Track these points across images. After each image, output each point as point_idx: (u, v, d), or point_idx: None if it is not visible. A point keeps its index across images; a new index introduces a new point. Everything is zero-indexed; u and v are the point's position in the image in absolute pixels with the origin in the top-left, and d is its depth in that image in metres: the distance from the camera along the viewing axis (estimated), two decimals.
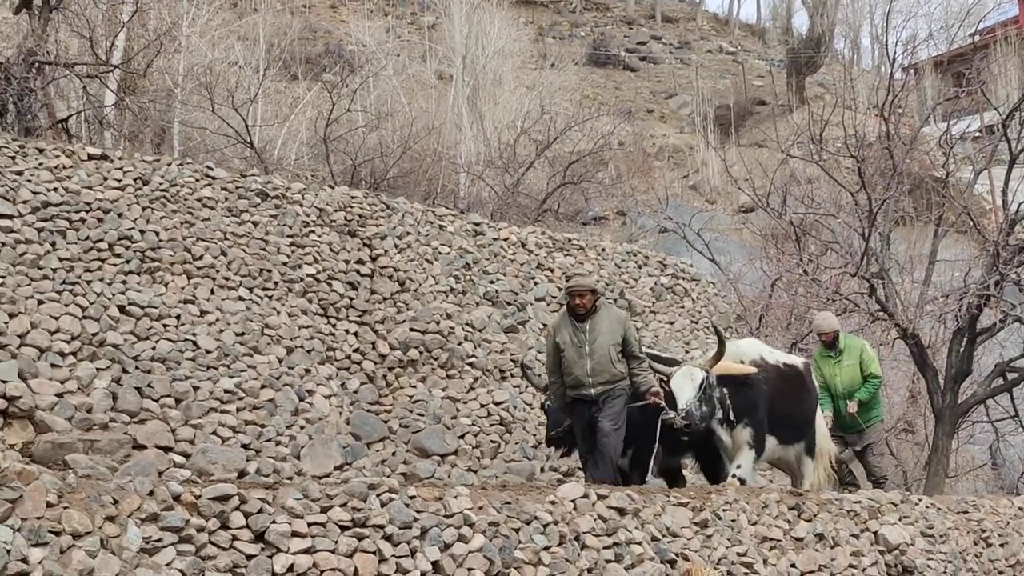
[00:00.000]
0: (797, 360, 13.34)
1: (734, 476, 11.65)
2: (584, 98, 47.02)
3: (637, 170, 40.84)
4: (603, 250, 19.49)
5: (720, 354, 11.56)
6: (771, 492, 11.10)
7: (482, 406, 15.45)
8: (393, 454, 14.14)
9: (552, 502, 8.90)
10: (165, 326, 13.60)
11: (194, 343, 13.61)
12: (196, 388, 13.13)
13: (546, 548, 8.49)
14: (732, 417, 11.62)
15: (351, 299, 15.55)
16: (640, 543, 9.13)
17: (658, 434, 11.23)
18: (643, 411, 11.29)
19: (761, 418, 11.91)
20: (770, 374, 12.20)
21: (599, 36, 66.36)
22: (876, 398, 14.37)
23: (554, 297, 17.68)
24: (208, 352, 13.62)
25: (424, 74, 42.31)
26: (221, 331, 13.96)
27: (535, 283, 17.77)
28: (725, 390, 11.59)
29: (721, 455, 12.19)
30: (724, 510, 10.15)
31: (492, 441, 15.20)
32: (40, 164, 14.19)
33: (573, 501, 9.05)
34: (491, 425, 15.26)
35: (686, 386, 11.36)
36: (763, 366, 12.17)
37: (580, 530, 8.84)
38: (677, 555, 9.37)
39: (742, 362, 12.01)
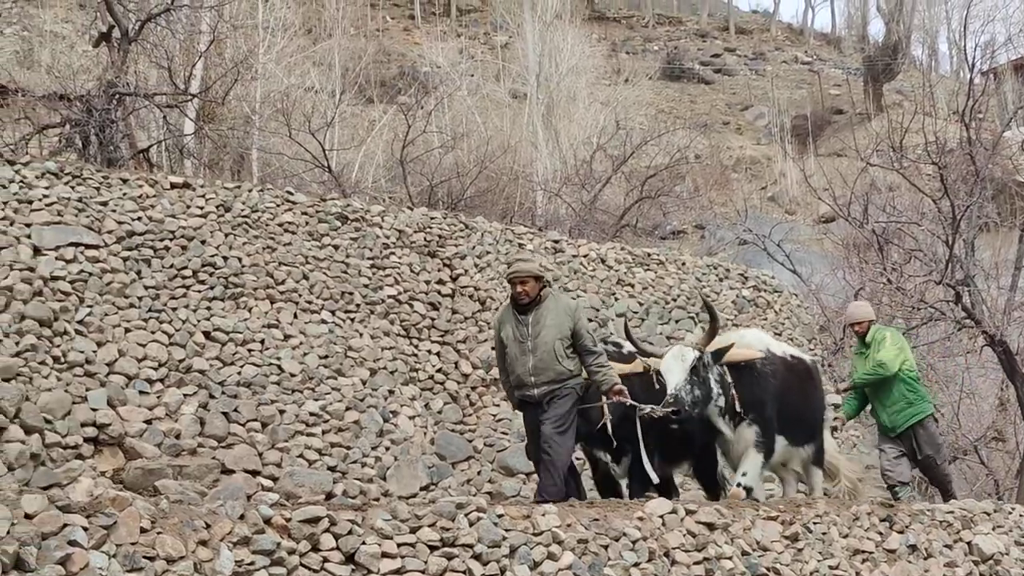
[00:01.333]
0: (805, 355, 12.39)
1: (739, 486, 10.61)
2: (659, 112, 46.96)
3: (715, 183, 40.69)
4: (683, 264, 19.41)
5: (714, 330, 10.50)
6: (862, 504, 10.96)
7: None
8: (478, 473, 14.16)
9: (640, 518, 8.85)
10: (250, 351, 13.75)
11: (279, 367, 13.74)
12: (282, 412, 13.26)
13: (636, 565, 8.44)
14: (740, 408, 10.60)
15: (433, 319, 15.61)
16: (731, 558, 9.05)
17: (639, 434, 10.17)
18: (634, 412, 10.16)
19: (769, 416, 10.81)
20: (778, 366, 11.14)
21: (672, 50, 66.31)
22: (917, 393, 12.76)
23: (635, 312, 17.63)
24: (293, 376, 13.74)
25: (498, 93, 42.41)
26: (305, 354, 14.08)
27: (616, 299, 17.73)
28: (727, 374, 10.60)
29: (719, 462, 11.41)
30: (815, 523, 10.03)
31: (577, 457, 15.14)
32: (124, 194, 14.39)
33: (662, 517, 8.99)
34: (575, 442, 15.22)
35: (675, 367, 10.25)
36: (770, 357, 11.11)
37: (669, 546, 8.78)
38: (768, 569, 9.28)
39: None
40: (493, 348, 11.61)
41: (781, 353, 11.44)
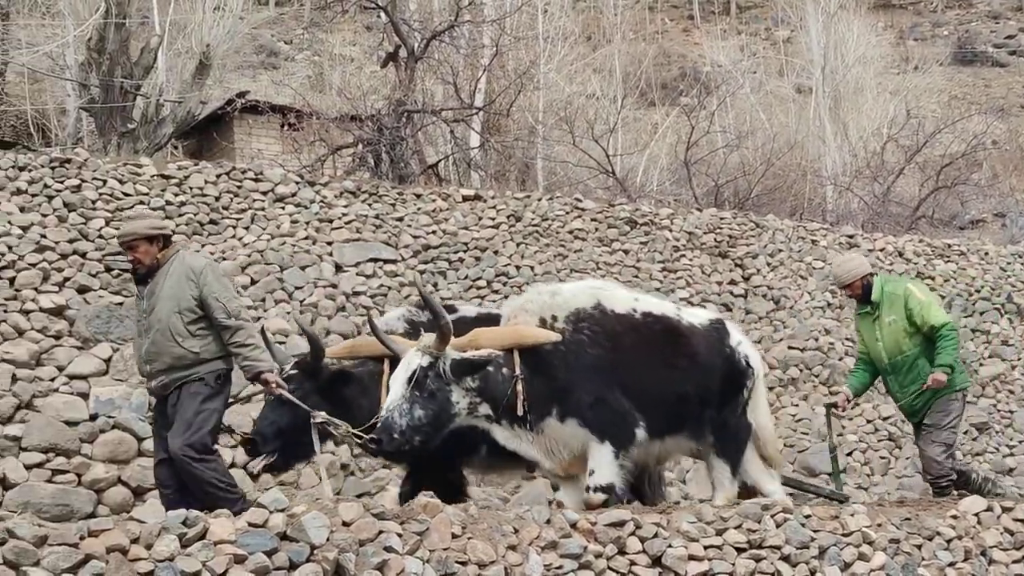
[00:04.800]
0: (692, 315, 9.00)
1: (590, 489, 7.82)
2: (952, 99, 45.33)
3: (1015, 169, 39.07)
4: (986, 254, 18.73)
5: (444, 332, 7.44)
6: None
7: (868, 421, 15.11)
8: None
9: (955, 516, 8.55)
10: None
11: None
12: None
13: (951, 564, 8.15)
14: (521, 411, 7.68)
15: None
16: None
17: (317, 444, 7.78)
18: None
19: (591, 399, 7.86)
20: (608, 329, 8.09)
21: (963, 34, 63.99)
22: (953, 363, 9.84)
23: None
24: None
25: (782, 89, 41.76)
26: None
27: None
28: (518, 372, 7.70)
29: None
30: None
31: (881, 457, 14.81)
32: (419, 209, 14.78)
33: (976, 515, 8.67)
34: (879, 440, 14.89)
35: (396, 380, 7.46)
36: (594, 320, 8.08)
37: (986, 544, 8.45)
38: None
39: (554, 318, 8.02)
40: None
41: (624, 311, 8.33)
